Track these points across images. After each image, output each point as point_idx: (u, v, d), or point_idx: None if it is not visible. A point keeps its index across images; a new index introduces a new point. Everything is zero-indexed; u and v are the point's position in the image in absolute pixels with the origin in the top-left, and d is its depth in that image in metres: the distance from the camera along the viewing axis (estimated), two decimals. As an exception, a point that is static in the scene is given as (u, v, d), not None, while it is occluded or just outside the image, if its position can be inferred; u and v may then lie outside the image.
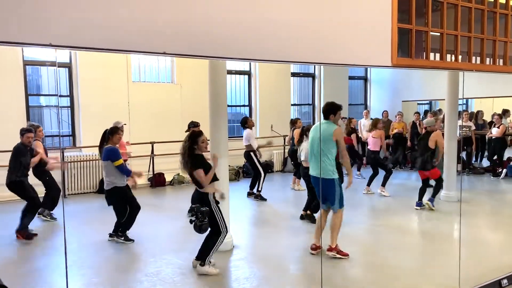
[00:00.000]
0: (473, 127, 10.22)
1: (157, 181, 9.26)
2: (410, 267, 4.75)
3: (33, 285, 4.28)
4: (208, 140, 5.38)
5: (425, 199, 7.11)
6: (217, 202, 4.54)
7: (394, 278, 4.44)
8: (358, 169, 10.04)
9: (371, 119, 9.70)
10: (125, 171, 5.49)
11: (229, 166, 5.61)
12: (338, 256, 4.87)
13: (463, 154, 9.99)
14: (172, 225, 6.31)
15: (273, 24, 2.99)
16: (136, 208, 5.63)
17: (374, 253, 5.27)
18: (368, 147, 8.56)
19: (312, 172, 5.09)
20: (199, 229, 4.35)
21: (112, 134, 5.51)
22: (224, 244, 5.18)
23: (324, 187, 4.81)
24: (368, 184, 8.32)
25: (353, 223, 6.69)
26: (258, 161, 8.13)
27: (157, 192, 8.88)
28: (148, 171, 9.36)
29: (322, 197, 4.95)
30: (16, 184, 5.74)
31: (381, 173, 8.26)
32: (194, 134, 4.47)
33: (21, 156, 5.74)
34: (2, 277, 2.04)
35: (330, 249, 4.90)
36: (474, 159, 10.76)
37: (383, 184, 8.14)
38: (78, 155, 8.69)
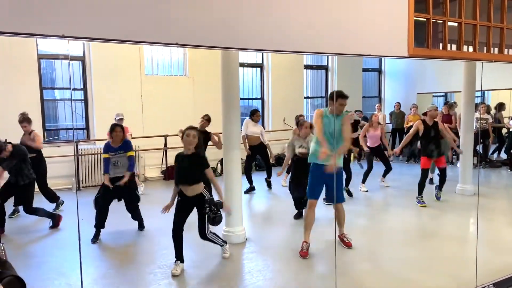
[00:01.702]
0: (490, 120, 10.04)
1: (170, 174, 9.30)
2: (426, 261, 4.69)
3: (47, 277, 4.33)
4: (221, 133, 5.39)
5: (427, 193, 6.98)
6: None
7: (410, 272, 4.39)
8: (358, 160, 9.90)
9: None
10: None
11: (241, 159, 5.59)
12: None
13: (480, 147, 9.83)
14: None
15: (287, 13, 2.94)
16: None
17: (388, 247, 5.21)
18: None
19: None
20: (212, 221, 4.35)
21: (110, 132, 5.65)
22: (237, 236, 5.21)
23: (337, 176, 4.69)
24: (384, 175, 8.27)
25: (367, 216, 6.64)
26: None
27: (170, 185, 8.85)
28: (161, 164, 9.41)
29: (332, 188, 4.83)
30: None
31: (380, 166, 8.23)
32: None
33: None
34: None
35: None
36: (490, 152, 10.60)
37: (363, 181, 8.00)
38: (92, 148, 8.77)
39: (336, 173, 4.53)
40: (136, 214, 5.78)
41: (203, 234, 4.46)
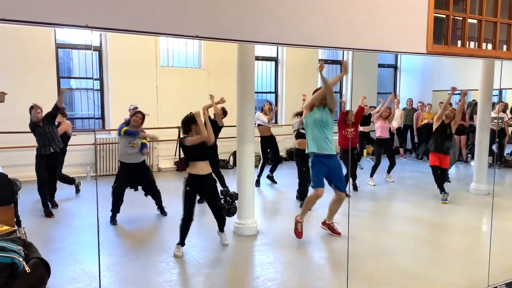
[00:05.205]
0: (506, 119, 9.91)
1: (183, 165, 9.37)
2: (438, 260, 4.67)
3: (62, 262, 4.41)
4: (235, 126, 5.40)
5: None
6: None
7: (421, 271, 4.37)
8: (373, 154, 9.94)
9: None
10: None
11: (254, 152, 5.62)
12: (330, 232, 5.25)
13: (495, 147, 9.71)
14: (197, 208, 6.37)
15: (305, 8, 2.94)
16: None
17: (399, 245, 5.20)
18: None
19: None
20: (227, 212, 4.40)
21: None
22: (249, 229, 5.25)
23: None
24: (388, 171, 8.33)
25: (376, 213, 6.63)
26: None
27: (182, 176, 8.95)
28: (175, 155, 9.49)
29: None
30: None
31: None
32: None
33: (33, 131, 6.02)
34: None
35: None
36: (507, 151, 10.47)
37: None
38: (107, 137, 8.88)
39: (336, 164, 4.92)
40: (157, 197, 6.02)
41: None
